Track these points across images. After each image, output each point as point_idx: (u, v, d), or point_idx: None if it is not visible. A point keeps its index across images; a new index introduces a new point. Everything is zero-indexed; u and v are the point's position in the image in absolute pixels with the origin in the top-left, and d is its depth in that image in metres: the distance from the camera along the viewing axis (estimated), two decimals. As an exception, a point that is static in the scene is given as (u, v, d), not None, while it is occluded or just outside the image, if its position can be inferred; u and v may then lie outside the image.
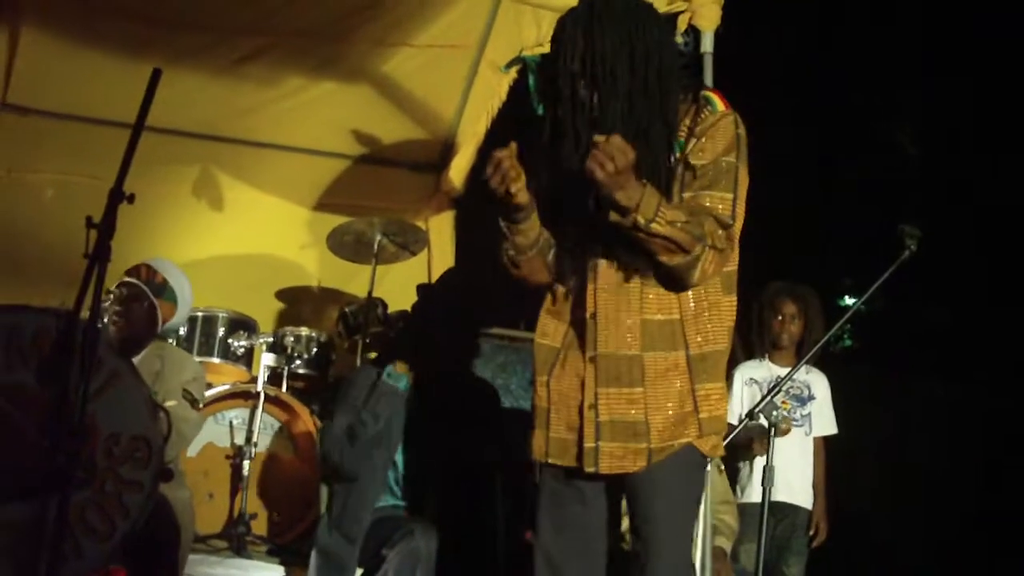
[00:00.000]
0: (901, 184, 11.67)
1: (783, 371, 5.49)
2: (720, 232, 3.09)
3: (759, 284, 5.94)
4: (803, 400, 5.66)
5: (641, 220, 2.99)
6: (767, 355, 5.77)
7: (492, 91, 6.76)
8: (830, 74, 11.38)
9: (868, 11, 11.09)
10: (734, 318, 3.25)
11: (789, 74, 11.45)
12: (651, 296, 3.16)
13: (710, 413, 3.18)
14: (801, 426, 5.62)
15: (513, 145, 3.11)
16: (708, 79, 5.12)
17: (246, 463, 5.92)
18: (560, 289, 3.31)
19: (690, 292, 3.16)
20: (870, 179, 12.00)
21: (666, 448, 3.14)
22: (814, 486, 5.65)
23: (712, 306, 3.20)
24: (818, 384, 5.71)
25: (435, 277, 7.57)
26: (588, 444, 3.17)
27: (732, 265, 3.25)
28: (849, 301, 11.79)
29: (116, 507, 4.04)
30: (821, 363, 5.73)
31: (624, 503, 3.29)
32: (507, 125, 6.76)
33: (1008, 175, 10.12)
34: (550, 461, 3.27)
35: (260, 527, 6.06)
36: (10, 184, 7.07)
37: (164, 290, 5.01)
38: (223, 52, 6.65)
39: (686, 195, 3.13)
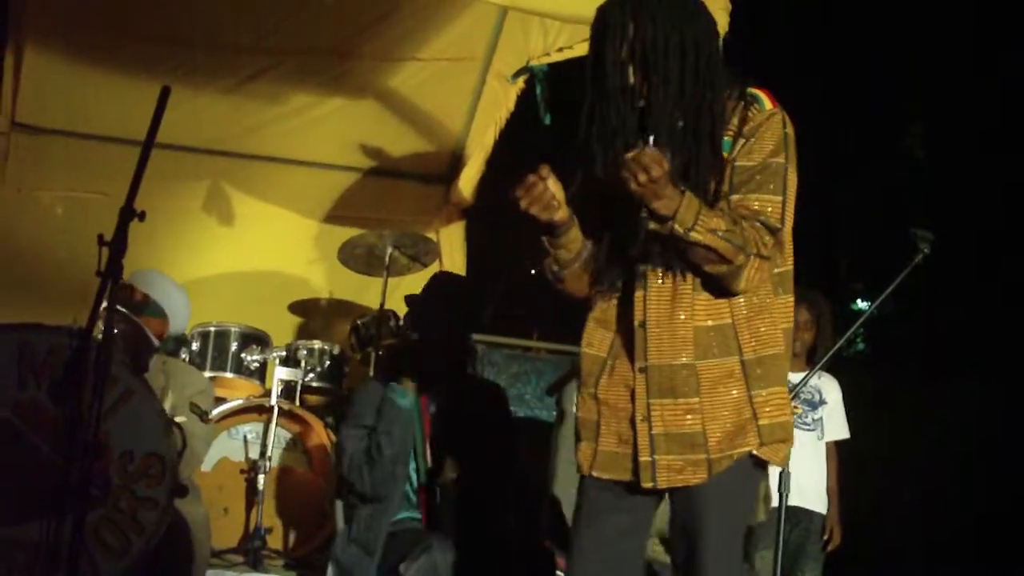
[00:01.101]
0: (911, 187, 11.65)
1: (796, 377, 5.46)
2: (767, 238, 3.01)
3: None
4: (815, 405, 5.64)
5: (679, 229, 2.92)
6: (780, 361, 5.74)
7: (500, 102, 6.78)
8: (839, 75, 11.37)
9: (874, 15, 11.08)
10: (790, 319, 3.15)
11: (797, 75, 11.45)
12: (701, 302, 3.05)
13: (771, 419, 3.06)
14: (813, 431, 5.60)
15: (546, 167, 3.03)
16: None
17: (261, 477, 5.92)
18: (607, 297, 3.19)
19: (740, 296, 3.06)
20: (880, 182, 11.98)
21: (725, 458, 3.03)
22: (827, 491, 5.64)
23: (764, 308, 3.09)
24: (830, 389, 5.70)
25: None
26: (644, 458, 3.05)
27: (786, 265, 3.16)
28: (861, 305, 11.77)
29: (131, 524, 4.04)
30: (833, 368, 5.71)
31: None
32: (515, 134, 6.78)
33: (1018, 176, 10.09)
34: (595, 474, 3.15)
35: (276, 541, 6.06)
36: (21, 202, 7.10)
37: (146, 307, 4.95)
38: (232, 70, 6.69)
39: (734, 198, 3.03)
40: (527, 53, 6.31)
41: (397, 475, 4.54)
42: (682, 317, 3.04)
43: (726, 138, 3.07)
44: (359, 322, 6.80)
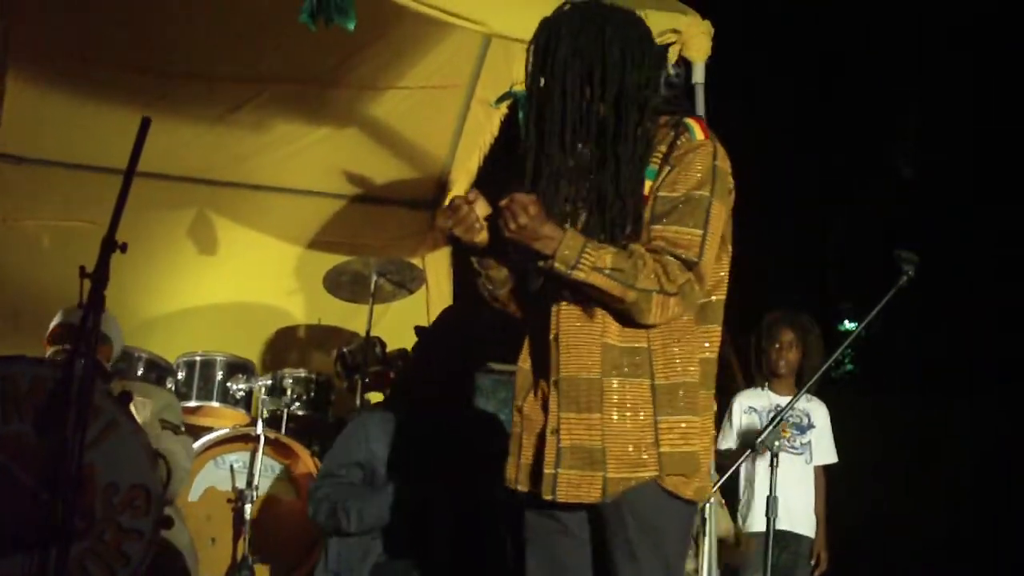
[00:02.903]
0: (898, 207, 11.68)
1: (783, 400, 5.47)
2: (677, 273, 2.94)
3: (758, 311, 5.94)
4: (803, 428, 5.64)
5: (561, 268, 2.92)
6: (767, 384, 5.75)
7: (484, 127, 6.79)
8: (828, 99, 11.42)
9: (864, 35, 11.14)
10: (713, 349, 3.10)
11: (786, 99, 11.50)
12: (613, 322, 3.02)
13: (672, 448, 2.98)
14: (801, 454, 5.60)
15: (474, 191, 3.07)
16: (700, 109, 5.11)
17: (247, 507, 5.89)
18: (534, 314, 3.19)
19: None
20: (867, 202, 12.02)
21: (623, 481, 2.97)
22: (816, 515, 5.63)
23: (684, 336, 3.04)
24: (818, 413, 5.69)
25: (433, 314, 7.57)
26: (547, 470, 3.02)
27: (717, 295, 3.12)
28: (849, 325, 11.79)
29: (116, 556, 4.03)
30: (821, 392, 5.71)
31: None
32: (500, 158, 6.80)
33: (1007, 197, 10.13)
34: (519, 488, 3.12)
35: (263, 571, 6.03)
36: (6, 233, 7.07)
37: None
38: (216, 99, 6.70)
39: (654, 228, 2.99)
40: (510, 78, 6.31)
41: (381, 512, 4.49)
42: (592, 333, 3.02)
43: (652, 166, 3.04)
44: (345, 349, 6.78)
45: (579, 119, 3.02)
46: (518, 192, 2.96)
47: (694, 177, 3.00)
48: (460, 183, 7.16)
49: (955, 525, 8.42)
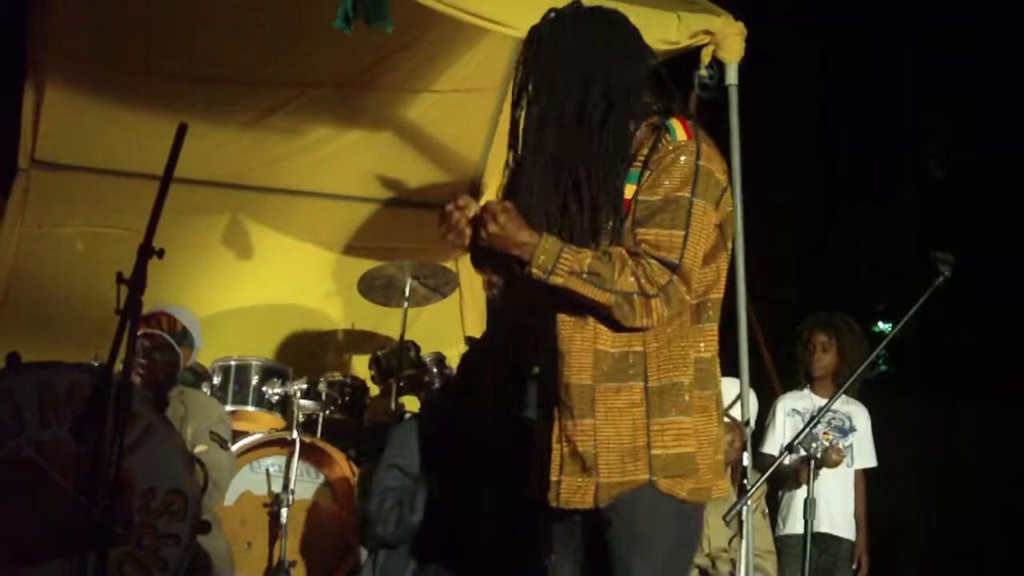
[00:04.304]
0: (930, 208, 11.61)
1: (821, 401, 5.46)
2: (659, 275, 2.93)
3: (792, 315, 5.91)
4: (844, 432, 5.61)
5: (538, 273, 2.92)
6: (809, 385, 5.72)
7: (517, 130, 6.77)
8: (858, 98, 11.35)
9: (893, 34, 11.07)
10: (710, 348, 3.07)
11: (816, 96, 11.45)
12: (605, 326, 3.00)
13: (665, 450, 2.95)
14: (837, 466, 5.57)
15: (464, 197, 3.10)
16: (734, 111, 5.10)
17: (284, 511, 5.90)
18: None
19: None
20: (899, 204, 11.94)
21: (615, 485, 2.96)
22: (855, 518, 5.60)
23: (678, 337, 3.01)
24: (859, 416, 5.67)
25: (467, 318, 7.59)
26: (553, 477, 3.04)
27: (714, 294, 3.08)
28: (882, 326, 11.73)
29: (154, 561, 4.04)
30: (862, 395, 5.68)
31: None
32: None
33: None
34: (537, 496, 3.13)
35: (299, 574, 6.03)
36: (42, 239, 7.11)
37: (185, 338, 5.02)
38: (250, 104, 6.72)
39: (638, 231, 2.96)
40: (543, 81, 6.30)
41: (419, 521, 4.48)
42: (584, 339, 3.01)
43: (633, 169, 3.01)
44: (379, 353, 6.78)
45: (554, 123, 3.02)
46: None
47: (675, 178, 2.97)
48: (493, 186, 7.15)
49: (991, 527, 8.37)
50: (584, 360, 3.01)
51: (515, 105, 3.12)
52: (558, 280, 2.91)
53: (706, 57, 5.09)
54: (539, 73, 3.06)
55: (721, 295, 3.13)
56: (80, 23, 6.22)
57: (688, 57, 5.07)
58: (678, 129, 3.01)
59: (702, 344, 3.06)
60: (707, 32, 5.05)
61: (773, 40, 5.14)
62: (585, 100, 3.01)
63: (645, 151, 3.01)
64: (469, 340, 4.95)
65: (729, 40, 5.11)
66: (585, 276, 2.91)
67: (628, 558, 2.97)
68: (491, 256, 3.10)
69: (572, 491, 3.01)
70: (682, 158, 2.98)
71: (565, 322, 3.04)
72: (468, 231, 3.07)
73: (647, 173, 2.99)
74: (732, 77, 5.14)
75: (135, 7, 6.17)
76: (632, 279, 2.92)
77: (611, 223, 2.98)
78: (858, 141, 11.31)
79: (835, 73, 11.45)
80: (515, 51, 6.56)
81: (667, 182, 2.97)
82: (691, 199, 2.96)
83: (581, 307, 2.99)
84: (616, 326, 2.98)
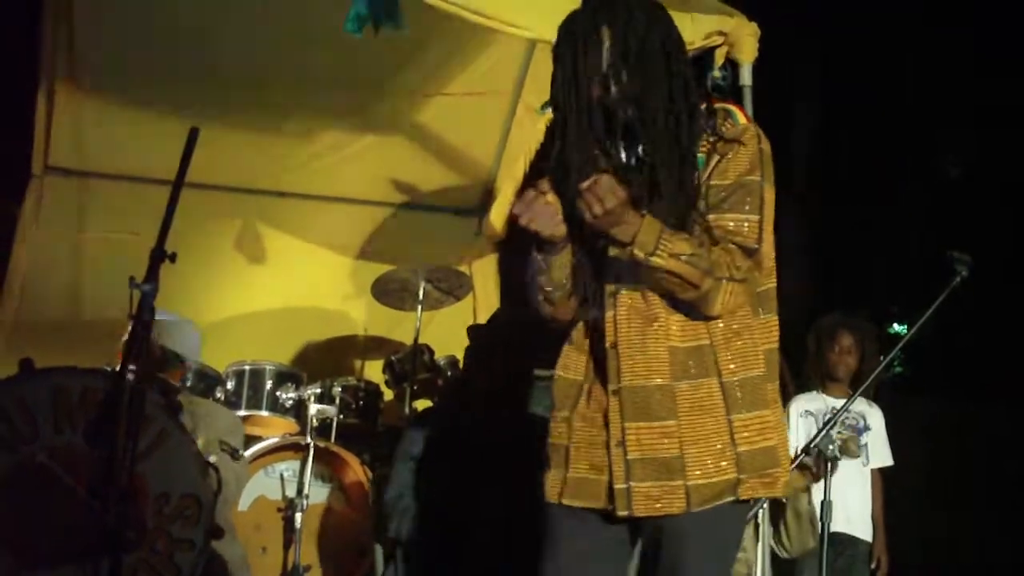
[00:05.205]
0: (945, 209, 11.59)
1: (838, 403, 5.42)
2: (742, 260, 2.88)
3: (811, 312, 5.88)
4: (859, 431, 5.58)
5: (640, 254, 2.82)
6: (821, 387, 5.70)
7: (530, 133, 6.77)
8: (874, 98, 11.35)
9: (909, 37, 11.06)
10: (774, 339, 3.02)
11: (830, 97, 11.45)
12: (675, 322, 2.93)
13: (751, 445, 2.90)
14: (858, 457, 5.54)
15: (545, 182, 2.93)
16: (748, 111, 5.08)
17: (298, 515, 5.89)
18: (582, 320, 3.09)
19: (719, 318, 2.94)
20: (915, 205, 11.93)
21: (707, 487, 2.88)
22: (873, 518, 5.58)
23: (744, 329, 2.95)
24: (872, 415, 5.65)
25: (481, 321, 7.57)
26: (619, 485, 2.91)
27: (769, 283, 3.04)
28: (898, 328, 11.71)
29: (168, 566, 4.04)
30: (875, 395, 5.65)
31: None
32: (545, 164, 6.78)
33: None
34: (565, 502, 3.02)
35: (314, 579, 6.04)
36: (55, 245, 7.12)
37: (166, 363, 5.01)
38: (263, 109, 6.70)
39: (710, 217, 2.91)
40: (555, 84, 6.29)
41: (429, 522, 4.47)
42: (656, 337, 2.93)
43: (700, 154, 2.96)
44: (393, 358, 6.77)
45: (667, 105, 2.92)
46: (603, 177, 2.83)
47: (743, 163, 2.93)
48: (506, 190, 7.14)
49: (1002, 529, 8.34)
50: (659, 358, 2.93)
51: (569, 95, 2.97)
52: (659, 261, 2.82)
53: (720, 58, 5.06)
54: (634, 39, 2.92)
55: (774, 285, 3.08)
56: (93, 30, 6.22)
57: (702, 58, 5.05)
58: (738, 113, 3.00)
59: (769, 336, 3.02)
60: (721, 33, 5.02)
61: (773, 40, 5.10)
62: (684, 75, 2.95)
63: (709, 136, 2.97)
64: (471, 331, 4.90)
65: (743, 41, 5.08)
66: (685, 258, 2.83)
67: (697, 563, 2.90)
68: (583, 236, 2.99)
69: (654, 498, 2.90)
70: (748, 141, 2.95)
71: (630, 320, 2.95)
72: (558, 217, 2.92)
73: (715, 158, 2.94)
74: (746, 78, 5.11)
75: (148, 14, 6.16)
76: (722, 264, 2.87)
77: (686, 209, 2.91)
78: (860, 142, 11.32)
79: (835, 74, 11.44)
80: (527, 54, 6.63)
81: (737, 166, 2.93)
82: (761, 183, 2.94)
83: (647, 301, 2.93)
84: (690, 315, 2.92)
